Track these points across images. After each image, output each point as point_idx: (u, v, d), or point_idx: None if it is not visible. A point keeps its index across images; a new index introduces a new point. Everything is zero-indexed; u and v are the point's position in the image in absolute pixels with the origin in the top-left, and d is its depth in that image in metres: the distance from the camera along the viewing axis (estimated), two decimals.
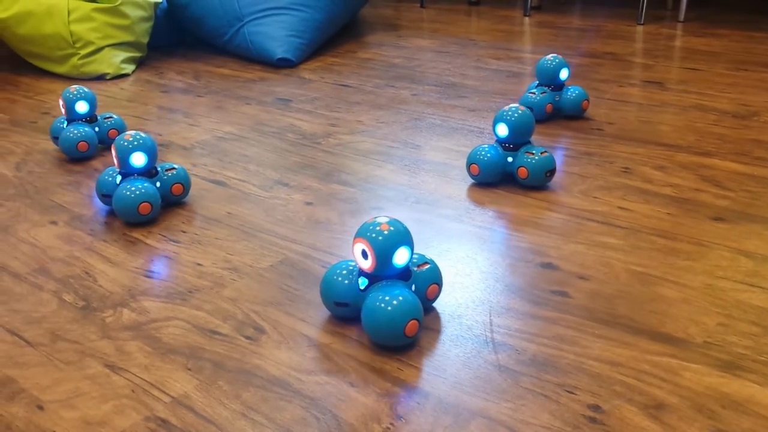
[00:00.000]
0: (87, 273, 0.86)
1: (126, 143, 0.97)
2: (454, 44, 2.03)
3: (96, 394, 0.65)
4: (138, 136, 0.98)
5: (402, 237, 0.70)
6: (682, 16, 2.17)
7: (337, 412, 0.62)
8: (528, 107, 1.32)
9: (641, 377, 0.65)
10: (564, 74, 1.32)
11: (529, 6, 2.42)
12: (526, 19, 2.36)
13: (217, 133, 1.35)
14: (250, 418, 0.61)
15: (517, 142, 1.05)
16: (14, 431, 0.61)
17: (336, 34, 2.13)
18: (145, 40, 1.90)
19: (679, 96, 1.46)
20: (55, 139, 1.26)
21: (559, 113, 1.35)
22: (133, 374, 0.67)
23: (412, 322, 0.67)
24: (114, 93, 1.66)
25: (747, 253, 0.85)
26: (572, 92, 1.33)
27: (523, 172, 1.04)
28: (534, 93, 1.33)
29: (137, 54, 1.88)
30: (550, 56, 1.33)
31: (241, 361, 0.69)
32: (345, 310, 0.73)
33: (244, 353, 0.70)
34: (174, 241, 0.94)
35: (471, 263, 0.85)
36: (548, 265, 0.84)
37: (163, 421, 0.61)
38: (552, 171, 1.04)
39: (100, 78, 1.79)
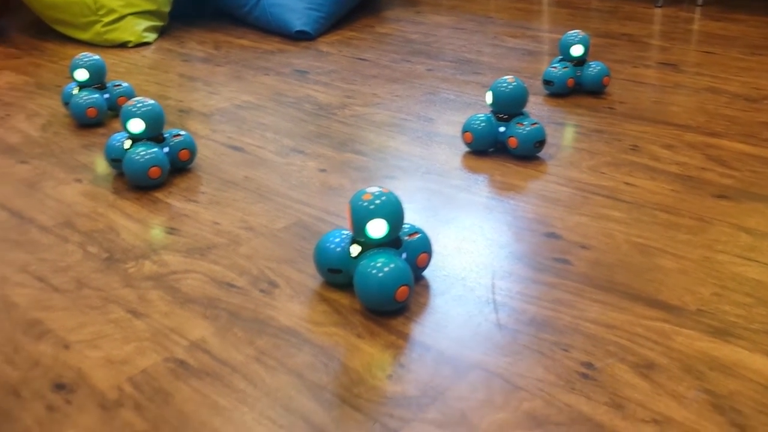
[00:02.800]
0: (110, 228, 0.90)
1: (133, 109, 1.00)
2: (471, 21, 2.04)
3: (119, 336, 0.69)
4: (146, 102, 1.01)
5: (384, 209, 0.71)
6: (700, 0, 2.17)
7: (344, 360, 0.66)
8: (550, 81, 1.35)
9: (634, 339, 0.68)
10: (580, 50, 1.35)
11: None
12: None
13: (235, 101, 1.39)
14: (263, 362, 0.65)
15: (510, 112, 1.09)
16: (43, 366, 0.65)
17: (355, 8, 2.15)
18: (167, 9, 1.93)
19: (692, 78, 1.48)
20: (66, 104, 1.30)
21: (581, 88, 1.38)
22: (154, 320, 0.72)
23: (402, 287, 0.70)
24: (136, 60, 1.69)
25: (747, 229, 0.88)
26: (594, 68, 1.35)
27: (513, 142, 1.08)
28: (556, 67, 1.35)
29: (159, 23, 1.92)
30: (572, 32, 1.35)
31: (255, 312, 0.73)
32: (337, 277, 0.76)
33: (258, 304, 0.74)
34: (194, 201, 0.97)
35: (477, 231, 0.89)
36: (552, 235, 0.87)
37: (182, 362, 0.66)
38: (541, 142, 1.08)
39: (123, 45, 1.82)
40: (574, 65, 1.36)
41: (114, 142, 1.04)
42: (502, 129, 1.09)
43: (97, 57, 1.26)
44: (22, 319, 0.72)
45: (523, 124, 1.07)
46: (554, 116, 1.27)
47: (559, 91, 1.36)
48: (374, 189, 0.73)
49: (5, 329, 0.70)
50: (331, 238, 0.76)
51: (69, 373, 0.64)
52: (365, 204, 0.71)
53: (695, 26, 1.94)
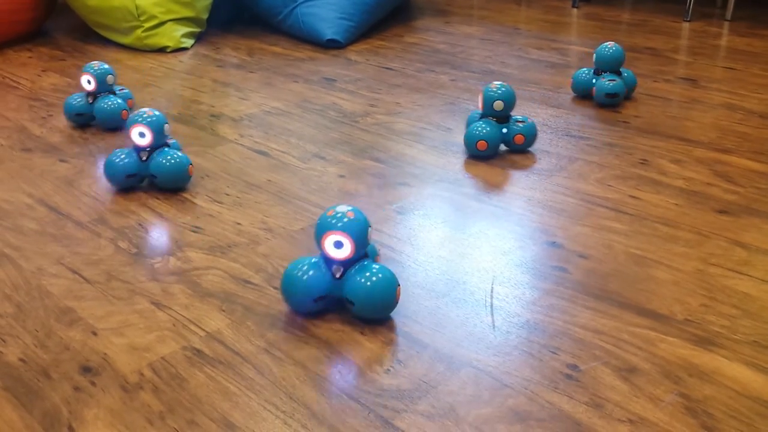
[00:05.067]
0: (140, 225, 0.97)
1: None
2: (499, 32, 2.09)
3: (142, 325, 0.76)
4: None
5: (365, 221, 0.75)
6: (729, 15, 2.18)
7: (346, 354, 0.71)
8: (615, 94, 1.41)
9: (620, 344, 0.72)
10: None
11: None
12: (574, 10, 2.40)
13: (264, 107, 1.45)
14: (272, 354, 0.71)
15: (507, 114, 1.19)
16: (72, 351, 0.72)
17: (385, 18, 2.21)
18: (205, 16, 2.01)
19: (710, 94, 1.50)
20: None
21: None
22: (175, 311, 0.78)
23: (398, 288, 0.75)
24: (173, 65, 1.77)
25: (743, 244, 0.91)
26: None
27: (520, 139, 1.19)
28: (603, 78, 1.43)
29: (197, 29, 1.99)
30: (610, 43, 1.44)
31: (268, 307, 0.79)
32: (322, 303, 0.76)
33: (271, 301, 0.80)
34: (218, 203, 1.04)
35: (482, 237, 0.93)
36: (553, 244, 0.92)
37: (198, 350, 0.72)
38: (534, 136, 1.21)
39: (161, 50, 1.91)
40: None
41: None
42: (504, 130, 1.18)
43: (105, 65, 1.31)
44: (55, 307, 0.79)
45: (522, 121, 1.20)
46: (571, 128, 1.31)
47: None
48: (342, 207, 0.75)
49: (40, 316, 0.77)
50: (302, 269, 0.75)
51: (95, 357, 0.71)
52: (352, 219, 0.74)
53: (722, 41, 1.96)
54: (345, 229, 0.73)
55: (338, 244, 0.74)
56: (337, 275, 0.75)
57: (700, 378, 0.68)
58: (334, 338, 0.74)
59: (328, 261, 0.76)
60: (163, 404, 0.65)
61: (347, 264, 0.75)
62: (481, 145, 1.16)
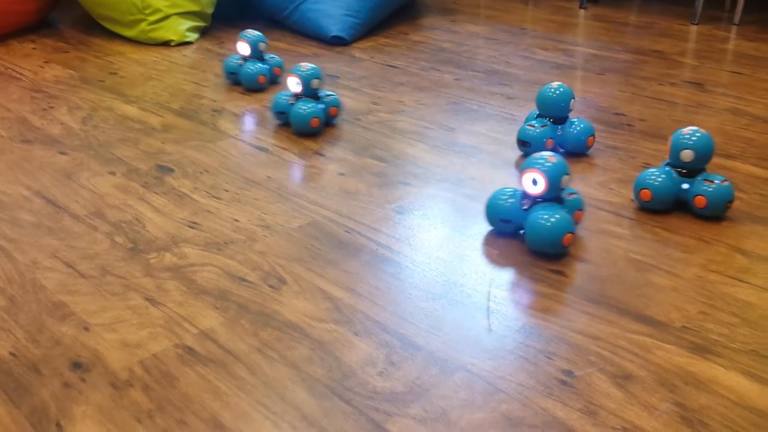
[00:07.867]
0: (137, 219, 0.97)
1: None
2: (505, 32, 2.08)
3: (135, 321, 0.75)
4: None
5: (564, 167, 0.88)
6: (737, 19, 2.17)
7: (340, 355, 0.70)
8: (526, 141, 1.16)
9: (616, 351, 0.72)
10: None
11: None
12: (582, 11, 2.38)
13: (266, 103, 1.45)
14: (264, 353, 0.70)
15: (696, 168, 1.00)
16: (63, 346, 0.71)
17: (391, 15, 2.20)
18: (210, 10, 2.01)
19: (716, 98, 1.49)
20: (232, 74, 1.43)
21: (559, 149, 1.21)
22: (169, 308, 0.77)
23: (568, 234, 0.86)
24: (177, 59, 1.77)
25: (744, 251, 0.90)
26: (577, 126, 1.18)
27: (701, 201, 0.97)
28: (533, 126, 1.17)
29: (201, 23, 1.99)
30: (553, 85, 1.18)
31: (263, 306, 0.78)
32: (509, 226, 0.92)
33: (266, 299, 0.79)
34: (217, 198, 1.03)
35: (481, 239, 0.93)
36: None
37: (190, 348, 0.71)
38: (731, 201, 0.98)
39: (165, 44, 1.90)
40: (554, 123, 1.17)
41: (280, 99, 1.29)
42: (685, 186, 1.00)
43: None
44: (48, 302, 0.78)
45: (712, 182, 0.97)
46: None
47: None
48: (548, 153, 0.90)
49: (32, 310, 0.77)
50: (502, 196, 0.92)
51: (86, 353, 0.70)
52: (553, 163, 0.88)
53: (729, 45, 1.94)
54: (543, 170, 0.87)
55: (534, 182, 0.88)
56: (524, 207, 0.90)
57: (696, 387, 0.67)
58: (327, 338, 0.73)
59: (524, 194, 0.90)
60: (153, 403, 0.64)
61: (536, 200, 0.89)
62: (644, 194, 1.00)
